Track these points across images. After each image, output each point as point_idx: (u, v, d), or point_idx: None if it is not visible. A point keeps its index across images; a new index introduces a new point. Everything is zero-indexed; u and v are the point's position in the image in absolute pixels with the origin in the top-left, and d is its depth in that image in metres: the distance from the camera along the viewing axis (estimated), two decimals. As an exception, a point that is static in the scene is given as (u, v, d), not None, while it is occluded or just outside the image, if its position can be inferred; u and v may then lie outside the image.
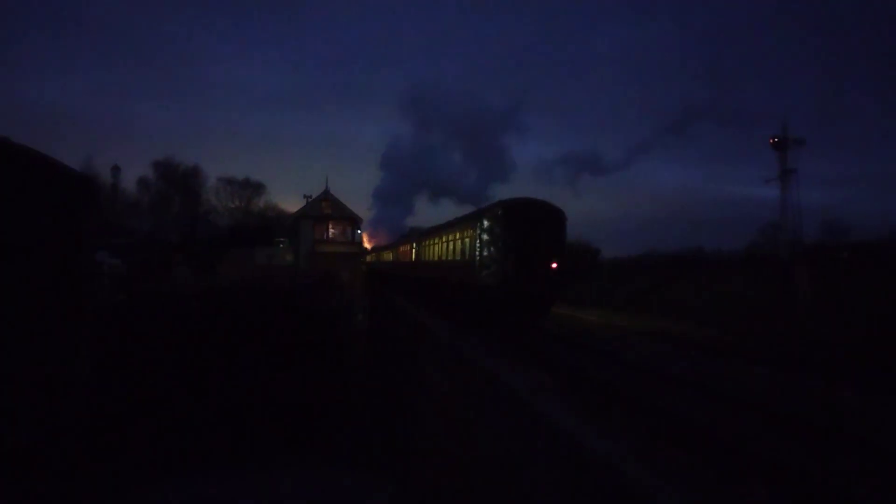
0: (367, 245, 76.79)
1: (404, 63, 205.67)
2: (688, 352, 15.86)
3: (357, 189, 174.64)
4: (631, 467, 5.56)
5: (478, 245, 18.17)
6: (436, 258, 23.83)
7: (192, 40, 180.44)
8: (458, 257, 20.75)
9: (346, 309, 19.58)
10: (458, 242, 20.86)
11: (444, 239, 23.27)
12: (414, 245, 29.73)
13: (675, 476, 5.63)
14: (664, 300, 29.83)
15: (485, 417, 9.16)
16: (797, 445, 7.66)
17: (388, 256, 49.31)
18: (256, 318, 10.28)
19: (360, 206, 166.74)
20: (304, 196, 70.20)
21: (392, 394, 14.41)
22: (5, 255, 5.55)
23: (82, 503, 5.49)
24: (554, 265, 17.85)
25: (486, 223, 18.00)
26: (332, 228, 67.55)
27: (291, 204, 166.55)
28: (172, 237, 64.66)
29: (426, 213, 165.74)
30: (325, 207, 67.36)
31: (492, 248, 17.63)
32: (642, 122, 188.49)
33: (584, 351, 15.80)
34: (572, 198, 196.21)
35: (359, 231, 71.21)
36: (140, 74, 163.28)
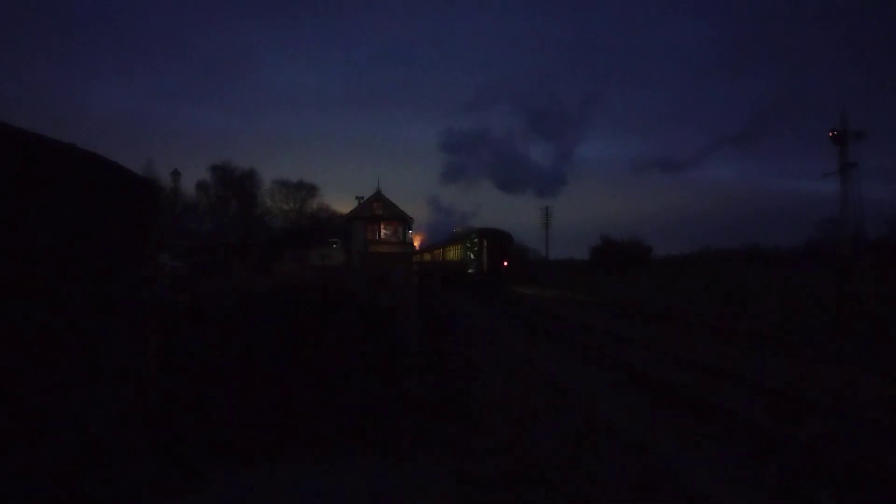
0: (416, 244, 77.16)
1: (458, 63, 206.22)
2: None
3: (408, 189, 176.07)
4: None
5: (467, 252, 38.98)
6: (448, 258, 46.34)
7: (247, 44, 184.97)
8: (458, 258, 42.32)
9: (402, 308, 19.79)
10: (458, 250, 42.07)
11: (451, 247, 46.17)
12: (441, 249, 51.59)
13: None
14: (722, 300, 29.10)
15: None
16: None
17: (428, 256, 60.63)
18: (320, 316, 10.37)
19: (411, 205, 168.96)
20: (356, 197, 70.97)
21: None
22: (76, 259, 5.75)
23: (152, 491, 5.65)
24: (504, 263, 38.35)
25: (473, 239, 39.14)
26: (384, 229, 68.03)
27: (343, 205, 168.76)
28: (230, 239, 66.28)
29: (490, 208, 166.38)
30: (376, 208, 67.91)
31: (472, 254, 37.28)
32: (702, 120, 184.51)
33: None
34: (628, 193, 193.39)
35: (409, 231, 71.61)
36: (197, 80, 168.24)
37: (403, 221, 68.28)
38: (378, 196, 68.43)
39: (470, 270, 41.22)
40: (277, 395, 8.13)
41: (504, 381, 11.17)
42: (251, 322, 9.19)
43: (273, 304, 10.75)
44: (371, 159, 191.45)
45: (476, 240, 41.30)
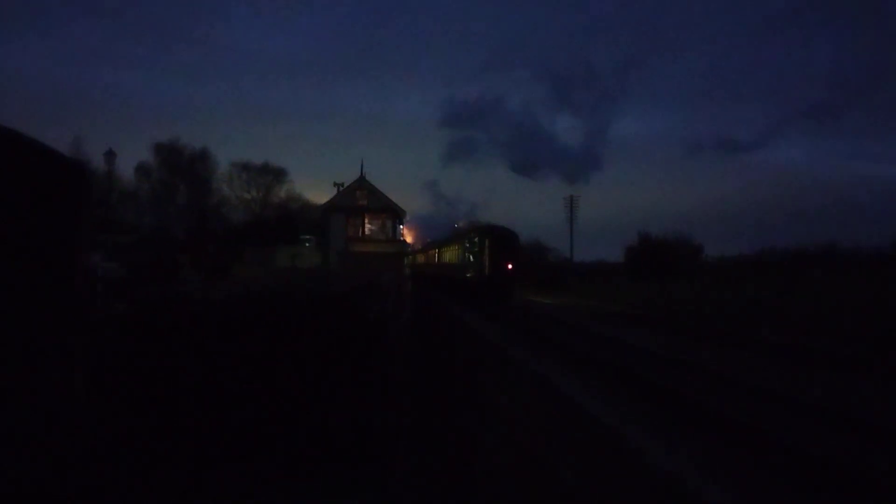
0: (409, 240, 77.14)
1: (463, 17, 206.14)
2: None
3: (400, 174, 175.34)
4: None
5: (466, 253, 43.12)
6: (445, 260, 50.99)
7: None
8: (456, 260, 46.19)
9: (393, 320, 19.61)
10: (456, 251, 46.19)
11: (448, 248, 50.88)
12: (437, 250, 54.81)
13: None
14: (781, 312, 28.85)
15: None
16: None
17: (422, 258, 62.22)
18: (292, 333, 10.13)
19: (404, 195, 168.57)
20: (335, 184, 70.99)
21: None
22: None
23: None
24: (509, 266, 40.13)
25: (473, 238, 42.26)
26: (370, 223, 68.03)
27: (319, 194, 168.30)
28: (178, 234, 66.10)
29: (503, 197, 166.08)
30: (359, 197, 67.85)
31: (472, 256, 41.56)
32: (767, 89, 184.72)
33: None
34: (674, 180, 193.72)
35: (401, 226, 71.48)
36: (137, 39, 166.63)
37: (394, 214, 68.13)
38: (362, 183, 68.25)
39: (469, 274, 42.14)
40: (239, 422, 7.90)
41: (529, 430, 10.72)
42: (197, 344, 8.94)
43: (237, 316, 10.50)
44: (354, 138, 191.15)
45: (476, 239, 42.21)
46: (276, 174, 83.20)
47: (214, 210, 77.46)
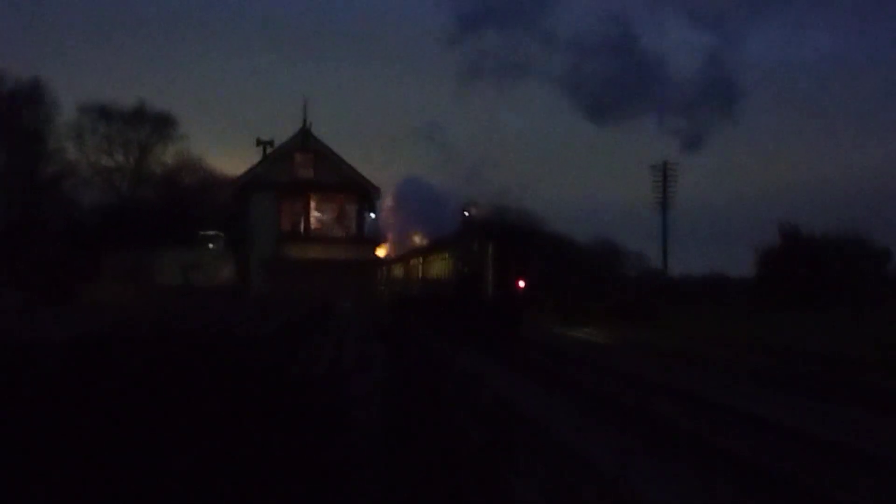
0: (385, 240, 76.26)
1: None
2: None
3: (371, 129, 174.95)
4: None
5: (460, 263, 45.08)
6: (432, 273, 53.46)
7: None
8: (445, 274, 49.25)
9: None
10: (445, 261, 49.24)
11: (436, 256, 52.88)
12: (421, 258, 57.44)
13: None
14: None
15: None
16: None
17: (400, 270, 64.62)
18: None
19: (378, 162, 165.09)
20: (259, 143, 70.35)
21: None
22: None
23: None
24: (520, 283, 42.88)
25: (469, 243, 44.56)
26: (319, 210, 67.55)
27: (233, 160, 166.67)
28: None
29: (556, 161, 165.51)
30: (301, 165, 67.45)
31: (468, 267, 44.17)
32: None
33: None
34: (839, 138, 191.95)
35: (372, 215, 70.93)
36: None
37: (359, 194, 67.51)
38: (306, 140, 67.54)
39: (463, 294, 43.77)
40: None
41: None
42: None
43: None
44: (292, 61, 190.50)
45: (474, 244, 43.79)
46: (159, 126, 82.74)
47: (51, 186, 77.14)
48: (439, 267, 51.16)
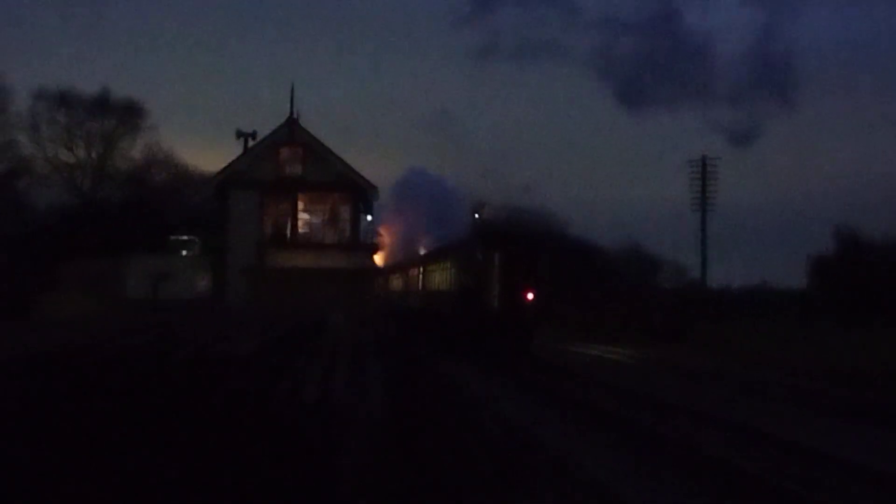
0: (383, 246, 75.98)
1: None
2: None
3: (368, 118, 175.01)
4: None
5: (461, 274, 46.77)
6: (431, 286, 54.88)
7: None
8: (444, 286, 51.18)
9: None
10: (444, 271, 51.40)
11: (435, 266, 54.69)
12: (421, 268, 59.24)
13: None
14: None
15: None
16: None
17: (399, 281, 66.54)
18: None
19: (375, 156, 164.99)
20: (240, 135, 70.06)
21: None
22: None
23: None
24: (529, 295, 43.72)
25: (471, 252, 45.77)
26: (308, 212, 67.17)
27: (209, 154, 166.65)
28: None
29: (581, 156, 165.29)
30: (288, 161, 67.18)
31: (469, 277, 45.39)
32: None
33: None
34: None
35: (368, 217, 70.68)
36: None
37: (354, 194, 67.15)
38: (293, 132, 67.24)
39: (466, 308, 44.74)
40: None
41: None
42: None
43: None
44: (277, 43, 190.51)
45: (477, 253, 44.89)
46: (126, 115, 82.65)
47: (1, 185, 76.95)
48: (440, 277, 51.98)
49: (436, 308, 51.96)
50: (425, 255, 60.49)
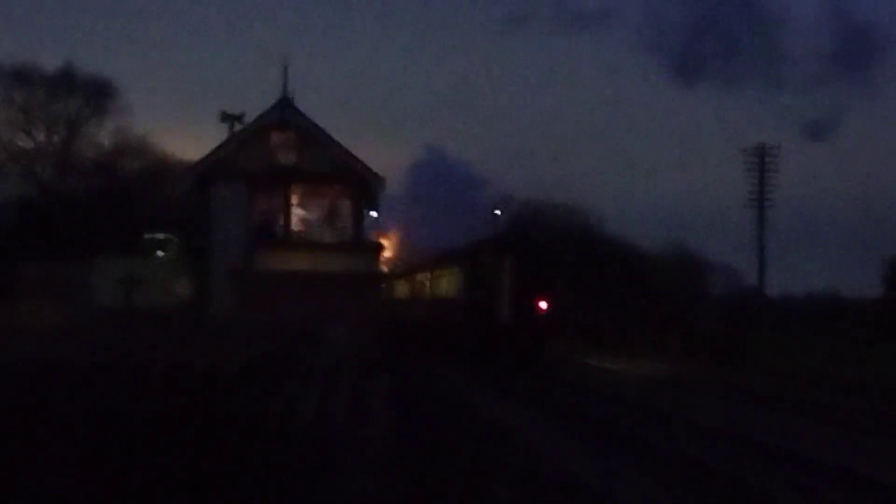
0: (386, 246, 75.95)
1: None
2: None
3: (372, 97, 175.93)
4: None
5: (470, 281, 53.20)
6: (439, 292, 61.19)
7: None
8: (452, 292, 56.41)
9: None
10: (452, 277, 57.31)
11: (443, 271, 60.78)
12: (429, 273, 64.77)
13: None
14: None
15: None
16: None
17: (405, 287, 72.51)
18: None
19: (381, 143, 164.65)
20: (224, 118, 70.48)
21: None
22: None
23: None
24: (542, 303, 48.03)
25: (481, 258, 52.90)
26: (302, 206, 67.18)
27: (190, 140, 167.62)
28: None
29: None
30: (280, 147, 67.13)
31: (478, 285, 52.10)
32: None
33: None
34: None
35: (373, 214, 70.64)
36: None
37: (358, 186, 67.15)
38: (285, 113, 67.28)
39: (475, 319, 48.28)
40: None
41: None
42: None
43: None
44: (265, 14, 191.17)
45: (488, 258, 48.80)
46: (93, 95, 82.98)
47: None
48: (448, 285, 54.98)
49: (444, 318, 54.58)
50: (433, 259, 61.80)
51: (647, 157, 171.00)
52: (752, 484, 20.79)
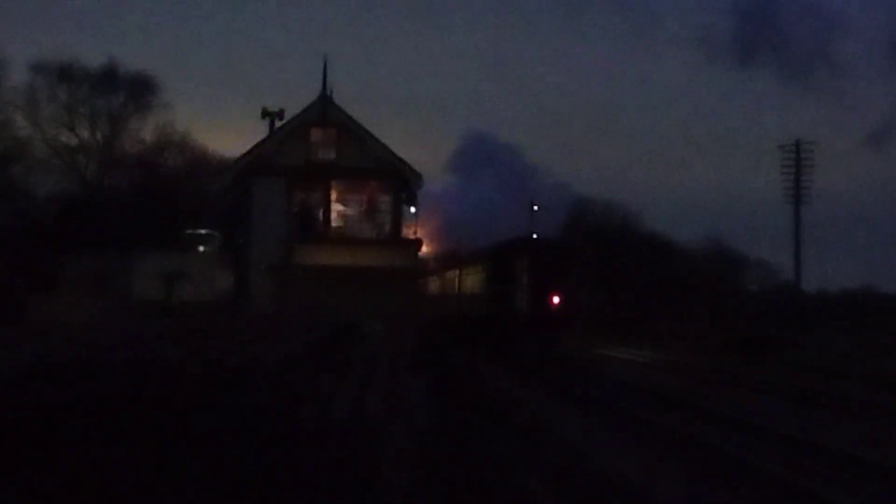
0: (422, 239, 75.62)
1: None
2: None
3: (409, 97, 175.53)
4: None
5: (490, 278, 55.68)
6: (464, 288, 64.53)
7: None
8: (475, 289, 59.87)
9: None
10: (475, 274, 60.58)
11: (469, 269, 63.82)
12: (459, 271, 67.97)
13: None
14: None
15: None
16: None
17: (437, 283, 76.53)
18: None
19: (419, 140, 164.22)
20: (265, 114, 70.23)
21: None
22: None
23: None
24: (555, 299, 50.79)
25: (502, 256, 54.70)
26: (342, 202, 66.97)
27: (231, 137, 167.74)
28: None
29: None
30: (320, 144, 66.98)
31: (498, 282, 54.45)
32: None
33: None
34: None
35: (412, 209, 70.40)
36: None
37: (397, 182, 66.82)
38: (325, 111, 67.03)
39: (495, 312, 51.71)
40: None
41: None
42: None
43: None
44: (305, 12, 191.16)
45: (507, 258, 52.26)
46: (136, 92, 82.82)
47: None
48: (473, 281, 58.67)
49: (470, 312, 58.22)
50: (462, 257, 64.33)
51: (688, 150, 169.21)
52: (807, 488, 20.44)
